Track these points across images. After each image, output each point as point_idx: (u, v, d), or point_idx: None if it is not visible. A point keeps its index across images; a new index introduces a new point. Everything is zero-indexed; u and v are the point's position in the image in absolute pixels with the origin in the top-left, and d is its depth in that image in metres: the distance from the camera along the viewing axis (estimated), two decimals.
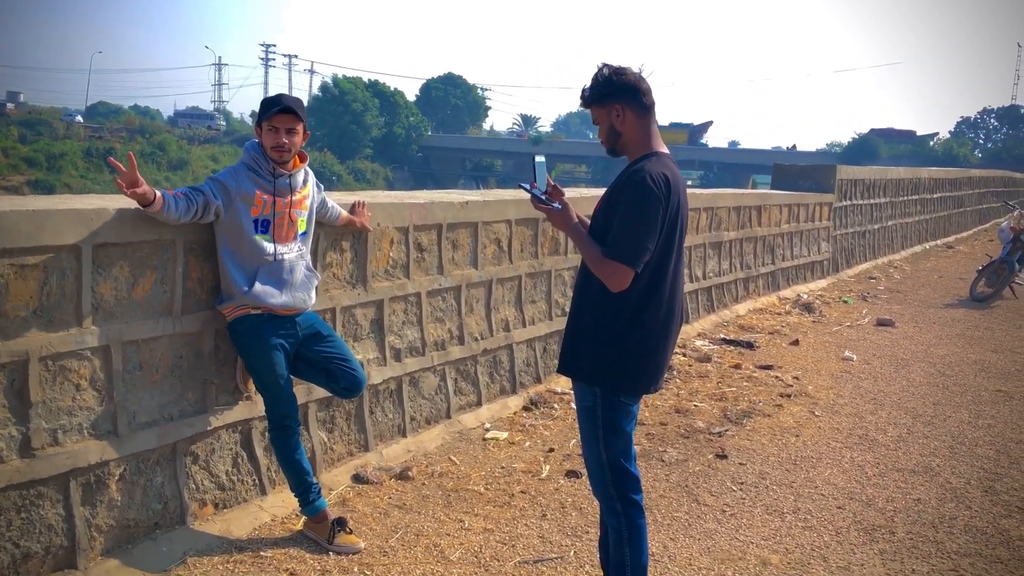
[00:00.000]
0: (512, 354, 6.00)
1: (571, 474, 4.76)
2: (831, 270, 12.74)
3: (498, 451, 5.13)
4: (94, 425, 3.40)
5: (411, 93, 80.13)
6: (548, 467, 4.88)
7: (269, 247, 3.70)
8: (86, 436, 3.37)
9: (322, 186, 4.13)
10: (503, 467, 4.87)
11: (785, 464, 5.13)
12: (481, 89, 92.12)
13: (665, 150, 2.98)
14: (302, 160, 3.82)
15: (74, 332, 3.30)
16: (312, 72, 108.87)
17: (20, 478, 3.13)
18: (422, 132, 72.14)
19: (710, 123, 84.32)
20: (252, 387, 4.00)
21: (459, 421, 5.45)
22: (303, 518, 3.91)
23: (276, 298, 3.71)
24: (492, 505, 4.35)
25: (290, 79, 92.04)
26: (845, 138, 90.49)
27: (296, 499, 3.89)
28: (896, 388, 6.95)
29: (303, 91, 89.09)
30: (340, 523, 3.82)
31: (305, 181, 3.87)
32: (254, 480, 4.10)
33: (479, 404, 5.67)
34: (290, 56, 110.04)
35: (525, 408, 5.90)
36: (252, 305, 3.70)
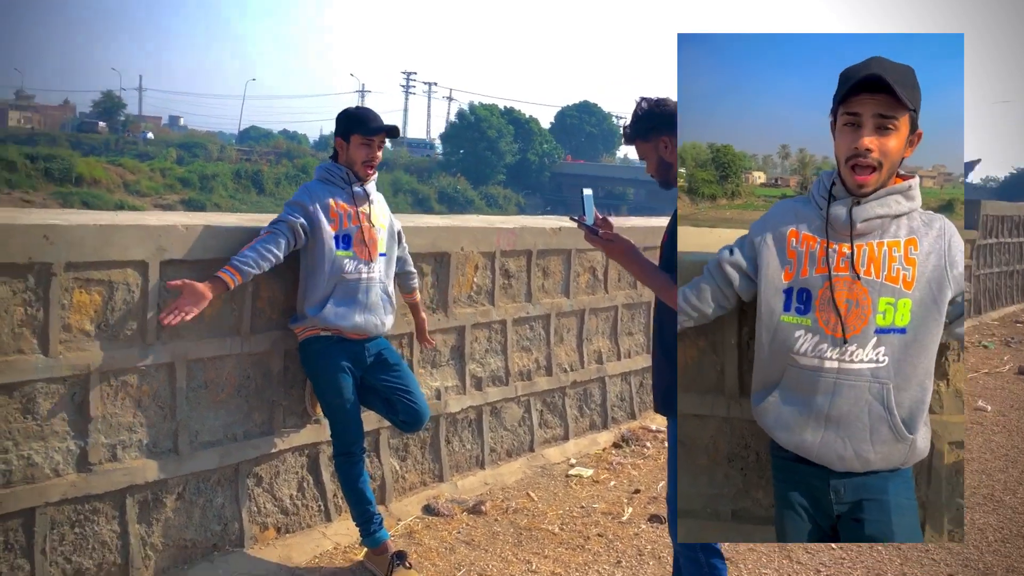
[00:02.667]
0: (604, 387, 5.76)
1: (654, 519, 4.48)
2: (972, 312, 11.85)
3: (580, 489, 4.90)
4: (154, 442, 3.39)
5: (546, 120, 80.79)
6: (631, 509, 4.61)
7: (349, 264, 3.63)
8: (145, 453, 3.36)
9: (403, 235, 4.05)
10: (583, 506, 4.63)
11: None
12: (616, 117, 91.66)
13: None
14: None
15: (137, 348, 3.31)
16: (450, 99, 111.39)
17: (76, 492, 3.14)
18: (556, 159, 72.38)
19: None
20: (320, 411, 3.93)
21: (543, 455, 5.24)
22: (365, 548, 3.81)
23: (347, 320, 3.64)
24: (565, 547, 4.13)
25: (429, 106, 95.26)
26: (1002, 173, 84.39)
27: (357, 529, 3.79)
28: None
29: (440, 117, 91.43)
30: (400, 557, 3.68)
31: (376, 193, 3.82)
32: (319, 506, 4.03)
33: (566, 438, 5.45)
34: (430, 84, 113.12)
35: (615, 445, 5.64)
36: (322, 327, 3.64)
